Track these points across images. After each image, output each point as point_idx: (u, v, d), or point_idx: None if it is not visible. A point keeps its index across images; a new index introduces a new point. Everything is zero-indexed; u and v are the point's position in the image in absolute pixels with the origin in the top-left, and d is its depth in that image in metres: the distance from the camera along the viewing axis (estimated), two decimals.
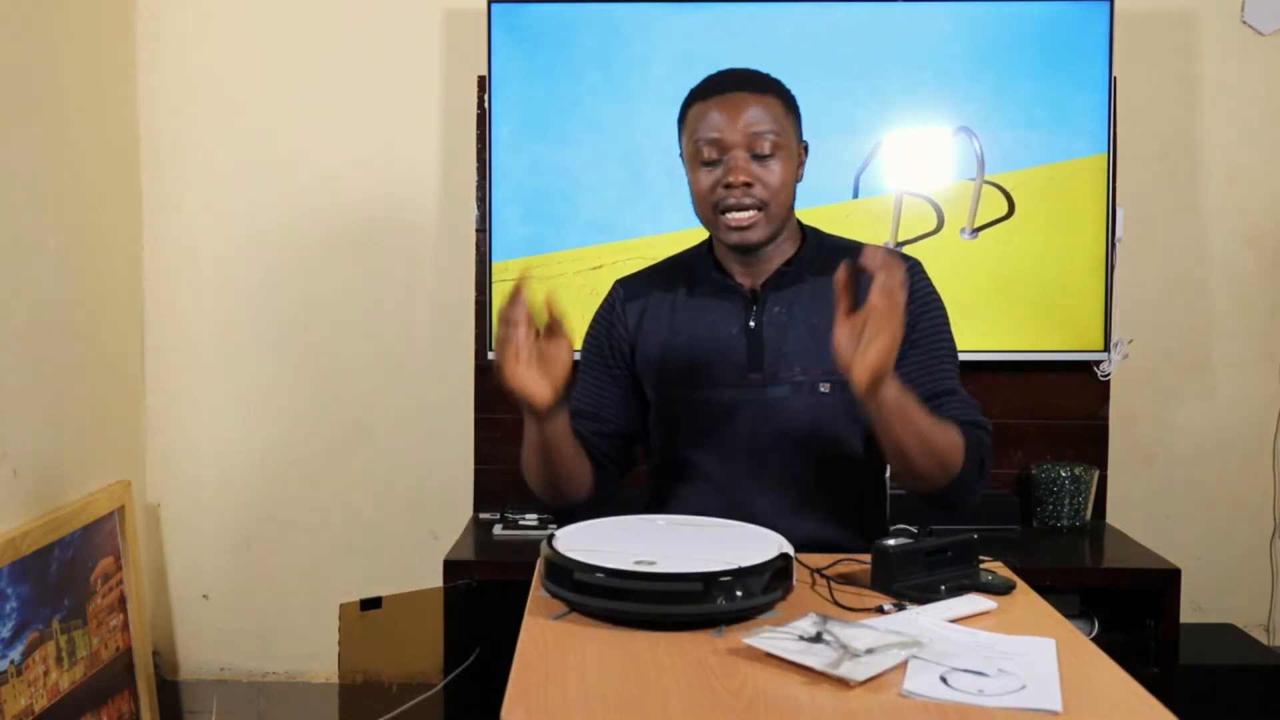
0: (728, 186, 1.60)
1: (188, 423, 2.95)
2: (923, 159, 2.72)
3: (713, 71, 1.69)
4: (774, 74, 1.70)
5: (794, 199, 1.67)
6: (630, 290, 1.78)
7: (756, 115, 1.60)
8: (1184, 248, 2.89)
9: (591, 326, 1.80)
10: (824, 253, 1.72)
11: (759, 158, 1.61)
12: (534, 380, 1.46)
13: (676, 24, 2.70)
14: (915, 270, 1.70)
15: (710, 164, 1.61)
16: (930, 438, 1.50)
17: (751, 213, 1.61)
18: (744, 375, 1.67)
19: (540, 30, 2.71)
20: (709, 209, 1.64)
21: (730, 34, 2.69)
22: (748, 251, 1.67)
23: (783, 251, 1.70)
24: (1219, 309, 2.90)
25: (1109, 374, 2.82)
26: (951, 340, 1.69)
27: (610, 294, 1.80)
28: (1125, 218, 2.80)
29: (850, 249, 1.74)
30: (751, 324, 1.68)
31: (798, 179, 1.68)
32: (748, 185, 1.60)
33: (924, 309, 1.67)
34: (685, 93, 1.69)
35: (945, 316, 1.71)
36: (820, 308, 1.67)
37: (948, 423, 1.55)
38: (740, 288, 1.71)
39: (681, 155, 1.70)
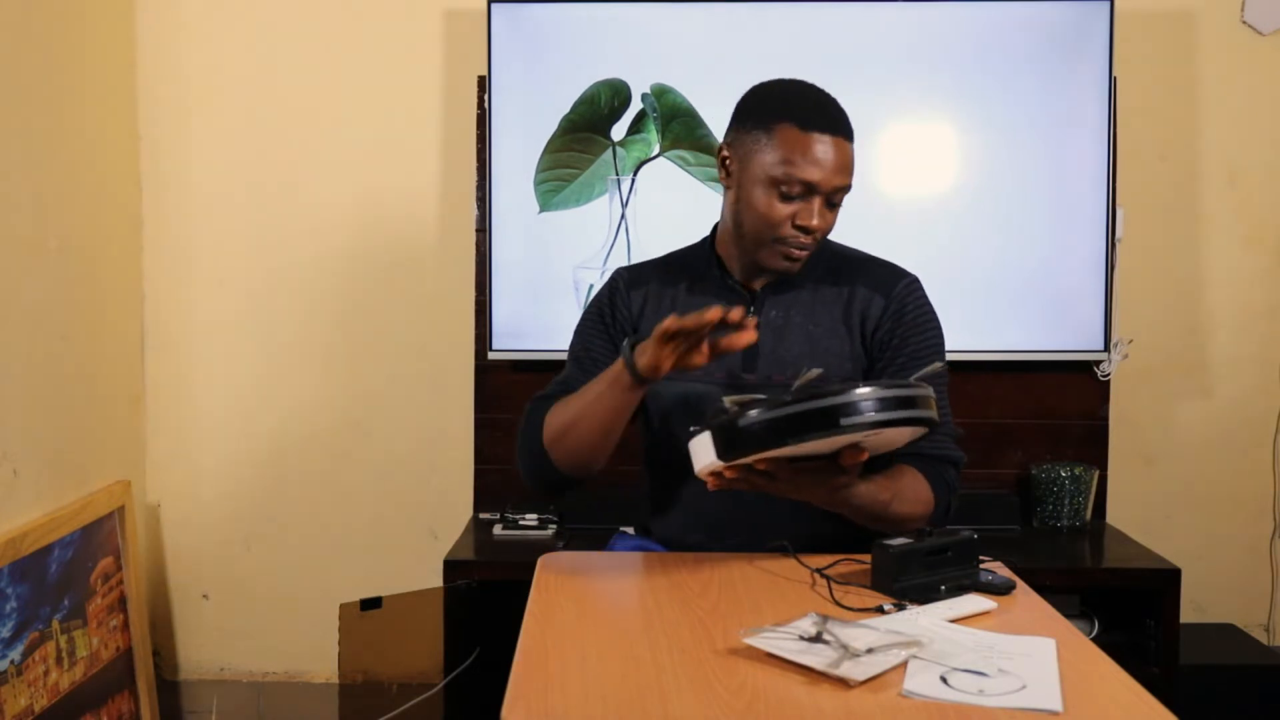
0: (802, 229, 1.61)
1: (188, 423, 2.94)
2: (922, 159, 2.72)
3: (788, 78, 1.68)
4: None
5: None
6: (633, 277, 1.80)
7: (844, 168, 1.61)
8: (1184, 248, 2.89)
9: (591, 310, 1.81)
10: (825, 259, 1.73)
11: (831, 205, 1.63)
12: (668, 354, 1.48)
13: (677, 24, 2.70)
14: (912, 287, 1.72)
15: (789, 198, 1.60)
16: (896, 510, 1.57)
17: (807, 251, 1.64)
18: (737, 375, 1.69)
19: (540, 30, 2.71)
20: (768, 234, 1.63)
21: (730, 34, 2.68)
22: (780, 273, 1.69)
23: None
24: (1219, 309, 2.89)
25: (1109, 374, 2.82)
26: (942, 360, 1.69)
27: (613, 279, 1.82)
28: (1125, 218, 2.79)
29: (852, 258, 1.76)
30: None
31: None
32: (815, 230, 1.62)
33: (915, 329, 1.68)
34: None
35: (938, 335, 1.72)
36: (817, 314, 1.70)
37: (914, 478, 1.60)
38: (740, 288, 1.72)
39: (730, 150, 1.66)
